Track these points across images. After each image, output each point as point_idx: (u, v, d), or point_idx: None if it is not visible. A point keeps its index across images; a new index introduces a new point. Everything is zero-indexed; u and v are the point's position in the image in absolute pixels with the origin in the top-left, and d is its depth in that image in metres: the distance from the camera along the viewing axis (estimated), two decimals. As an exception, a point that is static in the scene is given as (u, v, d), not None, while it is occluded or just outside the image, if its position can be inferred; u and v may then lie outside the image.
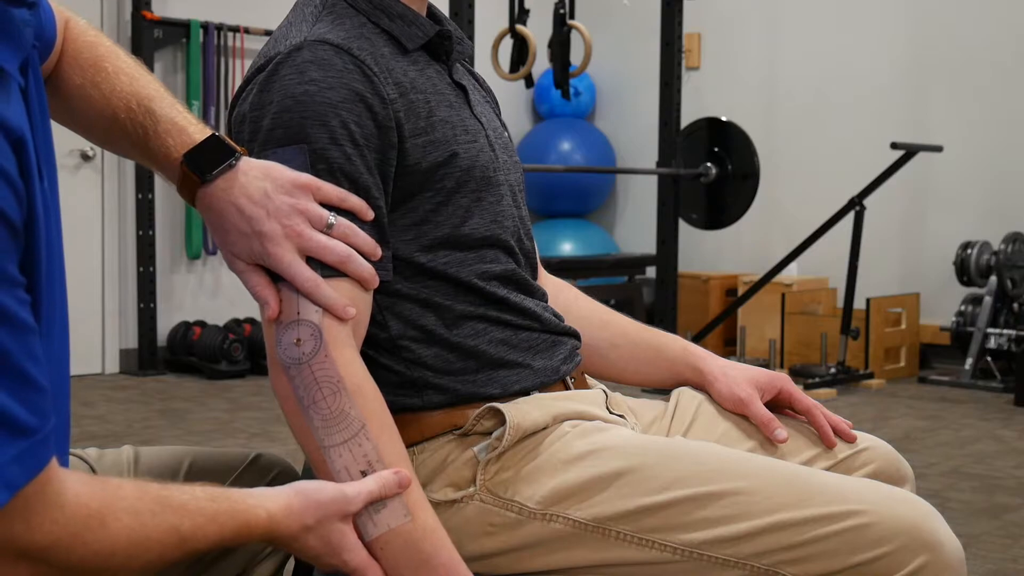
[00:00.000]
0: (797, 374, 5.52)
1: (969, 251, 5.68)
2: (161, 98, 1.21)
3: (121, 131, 1.21)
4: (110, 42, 1.23)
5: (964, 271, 5.69)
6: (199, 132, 1.20)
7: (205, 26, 5.94)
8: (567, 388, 1.40)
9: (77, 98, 1.20)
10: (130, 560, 0.94)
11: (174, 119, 1.20)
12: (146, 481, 0.99)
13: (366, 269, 1.21)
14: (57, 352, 0.97)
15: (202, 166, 1.18)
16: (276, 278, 1.20)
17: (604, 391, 1.46)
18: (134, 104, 1.19)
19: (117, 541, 0.92)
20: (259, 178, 1.18)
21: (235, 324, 5.92)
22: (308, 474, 1.32)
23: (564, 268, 5.71)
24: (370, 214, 1.24)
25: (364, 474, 1.15)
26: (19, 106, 0.90)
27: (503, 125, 1.51)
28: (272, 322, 1.19)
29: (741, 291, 6.29)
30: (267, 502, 1.06)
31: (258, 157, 1.23)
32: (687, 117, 5.96)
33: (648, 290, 6.49)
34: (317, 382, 1.17)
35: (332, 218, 1.20)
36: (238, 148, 1.20)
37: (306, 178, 1.20)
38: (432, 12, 1.43)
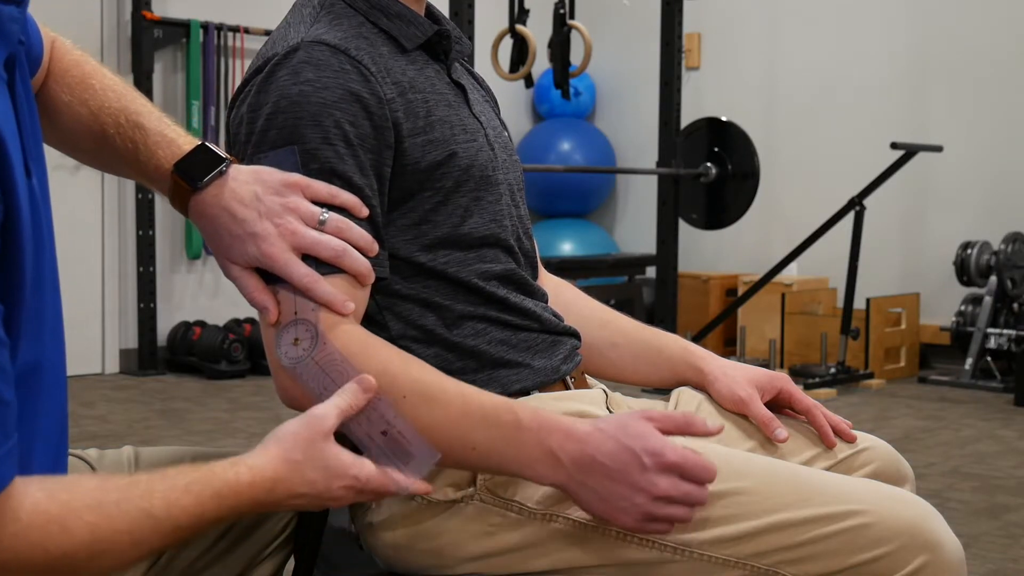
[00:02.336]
0: (797, 374, 5.51)
1: (969, 251, 5.68)
2: (149, 113, 1.23)
3: (111, 147, 1.22)
4: (95, 61, 1.24)
5: (964, 271, 5.69)
6: (188, 143, 1.21)
7: (205, 26, 5.93)
8: (567, 388, 1.40)
9: (66, 116, 1.21)
10: (99, 556, 0.92)
11: (163, 132, 1.21)
12: (110, 474, 0.97)
13: (362, 264, 1.21)
14: (50, 353, 0.96)
15: (192, 174, 1.19)
16: (272, 281, 1.20)
17: (604, 391, 1.46)
18: (123, 120, 1.20)
19: (80, 540, 0.91)
20: (249, 182, 1.19)
21: (235, 324, 5.92)
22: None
23: (564, 268, 5.71)
24: (364, 210, 1.24)
25: (385, 434, 1.14)
26: (4, 102, 0.89)
27: (503, 124, 1.50)
28: (272, 326, 1.20)
29: (741, 291, 6.28)
30: (245, 459, 1.04)
31: (253, 159, 1.24)
32: (687, 117, 5.96)
33: (648, 290, 6.48)
34: (323, 370, 1.17)
35: (324, 214, 1.20)
36: (227, 155, 1.21)
37: (295, 177, 1.20)
38: (430, 11, 1.43)
